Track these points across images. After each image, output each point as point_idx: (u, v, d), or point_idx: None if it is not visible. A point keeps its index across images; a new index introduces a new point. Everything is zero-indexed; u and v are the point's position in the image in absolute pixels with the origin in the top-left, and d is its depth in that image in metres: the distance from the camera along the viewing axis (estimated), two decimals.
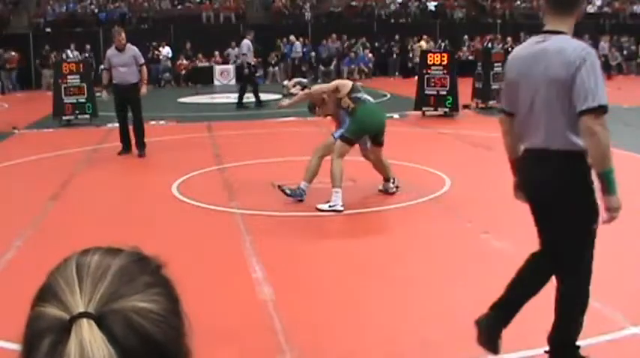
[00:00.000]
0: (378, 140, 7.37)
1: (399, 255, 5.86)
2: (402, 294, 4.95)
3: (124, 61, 10.34)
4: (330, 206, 6.80)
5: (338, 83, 7.53)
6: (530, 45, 3.46)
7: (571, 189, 3.41)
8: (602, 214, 3.44)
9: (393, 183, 7.74)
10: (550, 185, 3.42)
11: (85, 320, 0.76)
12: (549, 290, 4.91)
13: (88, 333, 0.76)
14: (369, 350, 4.07)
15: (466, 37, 26.73)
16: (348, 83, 7.49)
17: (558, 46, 3.30)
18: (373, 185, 8.30)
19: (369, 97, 7.38)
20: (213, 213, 7.20)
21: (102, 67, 23.38)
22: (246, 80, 16.98)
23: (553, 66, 3.28)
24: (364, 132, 7.27)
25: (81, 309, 0.77)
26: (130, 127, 10.69)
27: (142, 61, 10.65)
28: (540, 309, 4.54)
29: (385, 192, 7.63)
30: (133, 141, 10.70)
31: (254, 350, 4.11)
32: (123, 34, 10.52)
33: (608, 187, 3.37)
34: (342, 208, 6.82)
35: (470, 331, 4.26)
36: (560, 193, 3.41)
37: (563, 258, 3.58)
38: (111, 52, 10.56)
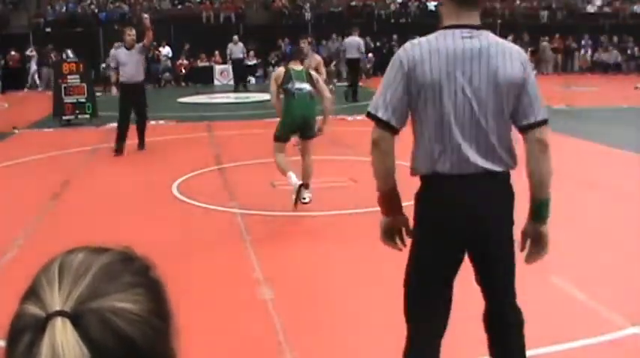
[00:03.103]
0: (304, 133, 7.14)
1: (399, 255, 5.85)
2: (402, 294, 4.94)
3: (134, 59, 10.56)
4: (294, 193, 6.97)
5: (274, 76, 7.40)
6: (452, 40, 2.68)
7: (509, 219, 2.84)
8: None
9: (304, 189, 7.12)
10: (493, 217, 2.79)
11: (59, 319, 0.75)
12: (549, 294, 4.92)
13: (61, 332, 0.75)
14: (369, 350, 4.07)
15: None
16: (281, 73, 7.22)
17: (500, 45, 2.72)
18: (373, 185, 8.29)
19: (302, 86, 6.97)
20: (213, 213, 7.20)
21: (104, 65, 23.47)
22: (356, 75, 18.38)
23: (502, 67, 2.67)
24: (287, 127, 7.09)
25: (57, 308, 0.76)
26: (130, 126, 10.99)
27: (146, 43, 10.82)
28: (540, 309, 4.55)
29: (304, 202, 7.04)
30: (131, 140, 10.96)
31: (254, 351, 4.10)
32: (134, 31, 10.80)
33: (546, 215, 2.89)
34: (298, 182, 6.91)
35: (469, 330, 4.27)
36: (503, 225, 2.81)
37: (510, 291, 3.06)
38: (120, 51, 10.82)
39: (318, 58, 11.26)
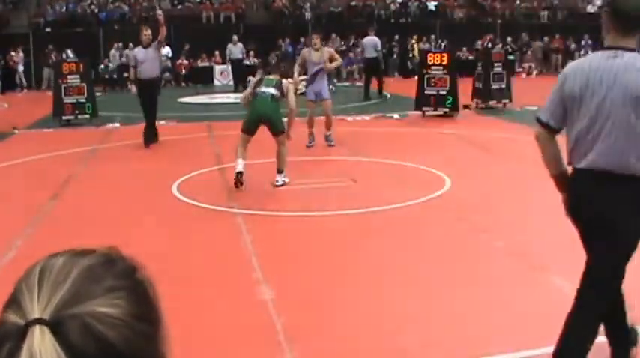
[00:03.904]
0: (270, 130, 8.25)
1: (399, 255, 5.86)
2: (402, 293, 4.95)
3: (150, 56, 11.20)
4: (235, 175, 7.99)
5: (253, 80, 8.69)
6: (598, 59, 3.29)
7: (636, 215, 3.26)
8: None
9: (284, 176, 8.31)
10: (616, 209, 3.24)
11: (37, 327, 0.75)
12: (548, 293, 4.92)
13: (39, 340, 0.74)
14: (370, 350, 4.07)
15: (412, 39, 26.61)
16: (254, 80, 8.69)
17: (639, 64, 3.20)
18: (373, 185, 8.31)
19: (266, 90, 8.19)
20: (213, 213, 7.20)
21: (102, 66, 23.39)
22: (376, 74, 18.63)
23: (634, 83, 3.14)
24: (248, 123, 8.29)
25: (36, 315, 0.76)
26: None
27: (160, 40, 11.36)
28: (540, 309, 4.55)
29: (276, 184, 8.20)
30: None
31: (254, 350, 4.11)
32: (149, 30, 11.47)
33: None
34: (240, 167, 8.00)
35: (470, 330, 4.27)
36: (625, 218, 3.25)
37: (608, 281, 3.42)
38: (137, 50, 11.45)
39: (330, 50, 11.67)
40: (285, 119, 8.42)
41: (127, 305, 0.79)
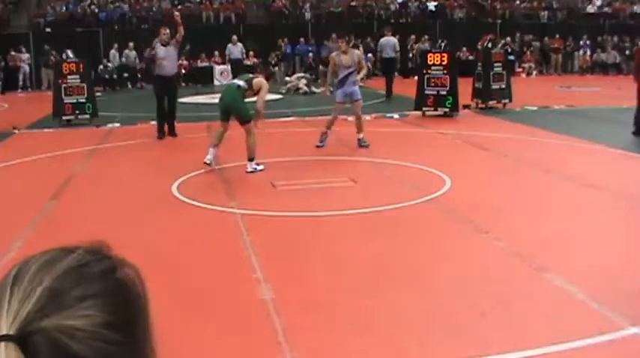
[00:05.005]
0: (238, 120, 9.09)
1: (399, 255, 5.86)
2: (402, 294, 4.94)
3: (170, 54, 12.01)
4: (205, 160, 9.08)
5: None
6: None
7: None
8: None
9: (258, 164, 9.08)
10: None
11: (3, 344, 0.73)
12: (548, 293, 4.92)
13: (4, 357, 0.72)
14: (369, 350, 4.07)
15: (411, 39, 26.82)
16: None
17: None
18: (373, 185, 8.31)
19: (236, 81, 9.21)
20: (213, 213, 7.20)
21: (101, 67, 23.39)
22: (392, 74, 18.85)
23: None
24: (219, 111, 9.30)
25: (4, 331, 0.74)
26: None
27: (178, 39, 12.15)
28: (539, 309, 4.55)
29: (247, 171, 8.97)
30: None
31: (254, 351, 4.11)
32: (168, 30, 12.14)
33: None
34: (209, 162, 9.08)
35: (470, 330, 4.27)
36: None
37: None
38: (158, 48, 12.09)
39: (359, 53, 11.76)
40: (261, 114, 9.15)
41: (99, 314, 0.76)
